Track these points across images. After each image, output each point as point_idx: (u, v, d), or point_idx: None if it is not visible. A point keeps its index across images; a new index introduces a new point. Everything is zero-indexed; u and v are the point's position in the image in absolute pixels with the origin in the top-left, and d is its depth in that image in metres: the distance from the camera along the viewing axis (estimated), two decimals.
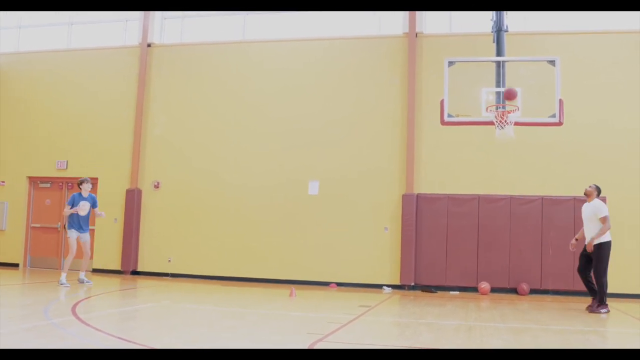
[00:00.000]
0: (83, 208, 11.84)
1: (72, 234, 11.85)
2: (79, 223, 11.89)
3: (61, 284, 11.46)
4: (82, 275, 12.13)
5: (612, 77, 13.73)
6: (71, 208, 11.82)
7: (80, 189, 12.03)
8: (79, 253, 11.99)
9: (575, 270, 13.24)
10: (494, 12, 11.34)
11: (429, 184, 14.23)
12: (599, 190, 10.47)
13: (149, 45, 16.11)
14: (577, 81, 13.45)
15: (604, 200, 11.58)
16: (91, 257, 13.21)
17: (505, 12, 11.38)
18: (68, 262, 11.78)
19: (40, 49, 17.08)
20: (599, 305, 9.98)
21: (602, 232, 9.99)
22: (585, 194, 10.52)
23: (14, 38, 17.45)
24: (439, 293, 13.35)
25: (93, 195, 12.30)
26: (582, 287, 13.15)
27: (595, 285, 10.13)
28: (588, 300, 12.22)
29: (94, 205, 12.12)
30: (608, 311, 9.96)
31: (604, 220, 10.02)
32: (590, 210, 10.26)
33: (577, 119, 13.24)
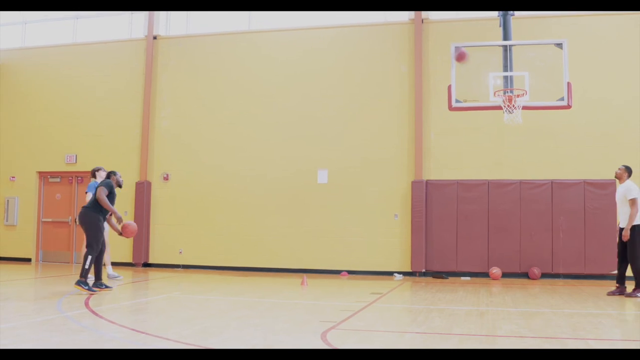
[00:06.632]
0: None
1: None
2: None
3: (114, 278, 11.64)
4: (109, 269, 11.86)
5: (623, 57, 13.59)
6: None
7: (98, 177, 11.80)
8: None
9: (586, 253, 13.25)
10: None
11: (438, 170, 14.20)
12: (629, 171, 10.04)
13: (154, 38, 16.11)
14: (587, 63, 13.34)
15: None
16: None
17: None
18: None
19: (46, 44, 17.13)
20: (635, 289, 9.63)
21: (631, 217, 9.59)
22: (615, 177, 10.16)
23: (19, 34, 17.50)
24: (450, 279, 13.35)
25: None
26: (594, 270, 13.16)
27: (633, 273, 9.68)
28: (601, 283, 12.18)
29: None
30: None
31: (632, 202, 9.62)
32: (621, 193, 9.89)
33: (586, 101, 13.17)
